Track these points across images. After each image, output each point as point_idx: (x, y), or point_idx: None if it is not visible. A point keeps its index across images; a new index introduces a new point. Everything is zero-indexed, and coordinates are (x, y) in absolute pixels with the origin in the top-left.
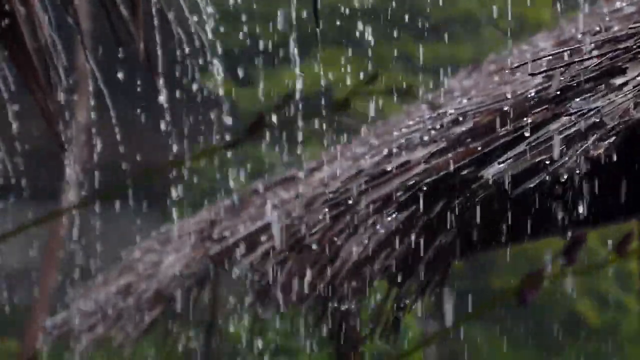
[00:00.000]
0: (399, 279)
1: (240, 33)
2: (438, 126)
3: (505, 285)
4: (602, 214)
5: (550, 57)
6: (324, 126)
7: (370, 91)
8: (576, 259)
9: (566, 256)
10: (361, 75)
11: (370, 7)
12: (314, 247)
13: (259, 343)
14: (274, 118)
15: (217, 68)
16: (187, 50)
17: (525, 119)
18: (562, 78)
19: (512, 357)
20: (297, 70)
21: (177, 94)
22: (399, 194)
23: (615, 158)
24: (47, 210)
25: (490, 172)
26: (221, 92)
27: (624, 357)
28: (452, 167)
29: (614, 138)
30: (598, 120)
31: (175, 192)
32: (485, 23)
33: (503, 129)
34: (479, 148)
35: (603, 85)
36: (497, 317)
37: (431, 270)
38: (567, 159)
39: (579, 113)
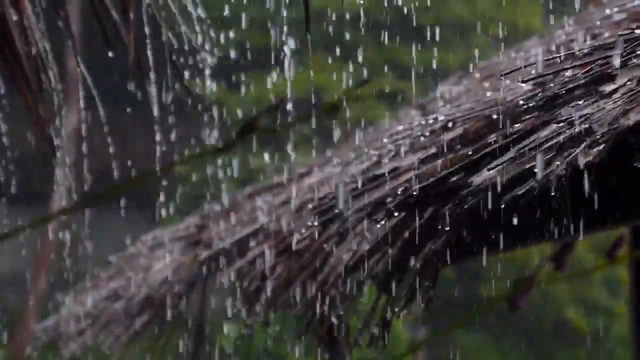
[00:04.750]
0: (389, 286)
1: (231, 38)
2: (428, 132)
3: (494, 292)
4: (591, 221)
5: (540, 64)
6: (314, 132)
7: (361, 95)
8: (566, 264)
9: (556, 261)
10: (351, 81)
11: (361, 13)
12: (303, 253)
13: (248, 348)
14: (266, 122)
15: (208, 73)
16: (177, 55)
17: (514, 126)
18: (552, 85)
19: None
20: (289, 76)
21: (168, 98)
22: (388, 200)
23: (605, 165)
24: (37, 214)
25: (479, 179)
26: (211, 97)
27: None
28: (441, 174)
29: (603, 145)
30: (587, 127)
31: (165, 197)
32: (476, 29)
33: (492, 135)
34: (469, 155)
35: (592, 93)
36: (487, 324)
37: (420, 277)
38: (556, 166)
39: (569, 120)
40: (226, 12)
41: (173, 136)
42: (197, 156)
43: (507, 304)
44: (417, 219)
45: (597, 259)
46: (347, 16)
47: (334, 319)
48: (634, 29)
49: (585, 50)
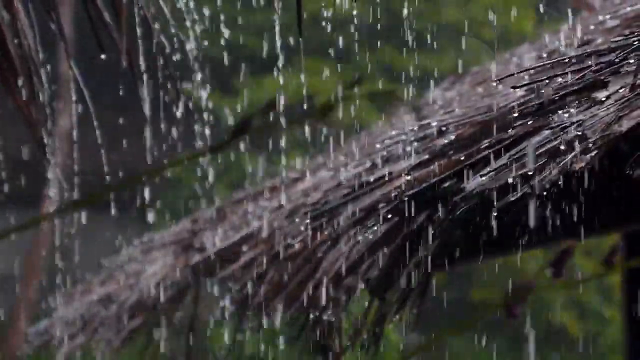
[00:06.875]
0: (381, 291)
1: (224, 42)
2: (420, 138)
3: (487, 297)
4: (585, 227)
5: (533, 70)
6: (306, 135)
7: (354, 96)
8: (564, 271)
9: (553, 268)
10: (344, 84)
11: (353, 17)
12: (295, 257)
13: (240, 353)
14: (259, 123)
15: (200, 76)
16: (170, 57)
17: (507, 131)
18: (545, 91)
19: None
20: (281, 80)
21: (160, 101)
22: (381, 205)
23: (597, 171)
24: (28, 217)
25: (472, 185)
26: (204, 100)
27: None
28: (434, 179)
29: (596, 152)
30: (580, 133)
31: (157, 201)
32: (468, 34)
33: (485, 141)
34: (461, 160)
35: (585, 99)
36: (478, 328)
37: (413, 282)
38: (549, 172)
39: (561, 126)
40: (220, 15)
41: (165, 139)
42: (190, 157)
43: (505, 312)
44: (409, 224)
45: (593, 266)
46: (341, 21)
47: (326, 324)
48: (626, 35)
49: (578, 57)
